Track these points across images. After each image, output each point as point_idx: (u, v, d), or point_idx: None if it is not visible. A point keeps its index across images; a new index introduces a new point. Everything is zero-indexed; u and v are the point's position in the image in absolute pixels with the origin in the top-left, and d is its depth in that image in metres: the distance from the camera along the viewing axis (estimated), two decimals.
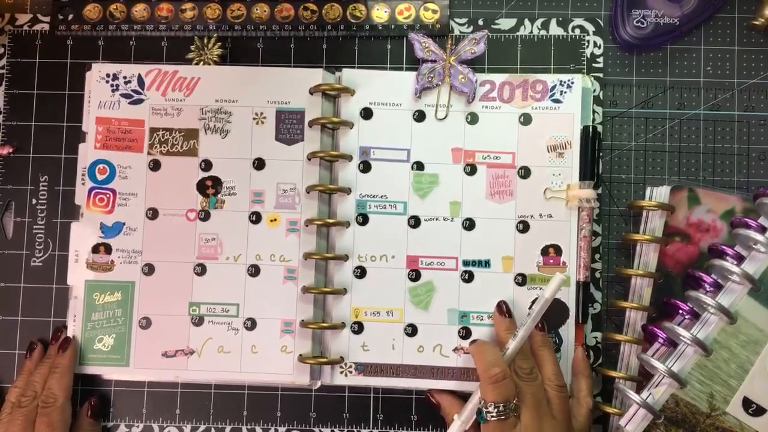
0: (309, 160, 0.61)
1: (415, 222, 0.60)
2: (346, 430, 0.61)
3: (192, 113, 0.62)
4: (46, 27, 0.64)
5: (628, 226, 0.62)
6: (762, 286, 0.56)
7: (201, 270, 0.61)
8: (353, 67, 0.63)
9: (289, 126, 0.61)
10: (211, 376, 0.60)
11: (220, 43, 0.63)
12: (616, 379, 0.58)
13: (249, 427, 0.61)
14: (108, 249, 0.61)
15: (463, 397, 0.58)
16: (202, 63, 0.62)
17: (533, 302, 0.59)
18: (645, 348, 0.59)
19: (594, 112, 0.62)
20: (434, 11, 0.63)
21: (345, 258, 0.60)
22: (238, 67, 0.62)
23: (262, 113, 0.61)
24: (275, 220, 0.61)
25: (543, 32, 0.63)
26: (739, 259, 0.57)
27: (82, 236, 0.61)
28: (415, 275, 0.60)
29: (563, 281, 0.57)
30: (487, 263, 0.60)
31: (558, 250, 0.60)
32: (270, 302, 0.60)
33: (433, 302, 0.60)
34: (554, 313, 0.59)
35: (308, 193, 0.60)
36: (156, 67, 0.62)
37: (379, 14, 0.64)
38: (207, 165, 0.61)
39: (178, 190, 0.61)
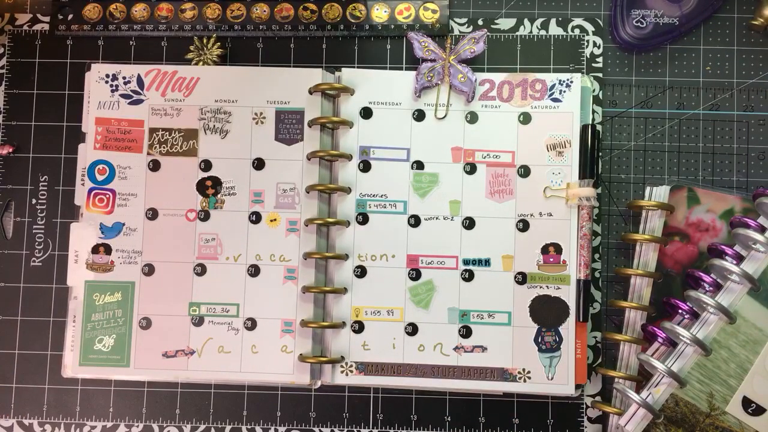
0: (309, 159, 0.61)
1: (415, 221, 0.60)
2: (346, 430, 0.61)
3: (191, 113, 0.62)
4: (46, 27, 0.64)
5: (627, 226, 0.62)
6: (761, 285, 0.56)
7: (201, 270, 0.60)
8: (353, 67, 0.63)
9: (288, 126, 0.61)
10: (211, 376, 0.60)
11: (219, 43, 0.63)
12: (615, 378, 0.58)
13: (249, 427, 0.61)
14: (108, 249, 0.61)
15: (464, 396, 0.58)
16: (201, 63, 0.62)
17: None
18: (645, 348, 0.59)
19: (593, 112, 0.62)
20: (434, 11, 0.64)
21: (345, 257, 0.60)
22: (238, 67, 0.62)
23: (261, 113, 0.61)
24: (275, 219, 0.61)
25: (542, 32, 0.63)
26: (739, 258, 0.57)
27: (82, 237, 0.61)
28: (415, 274, 0.60)
29: None
30: (487, 262, 0.60)
31: (558, 248, 0.60)
32: (270, 302, 0.60)
33: (433, 301, 0.60)
34: (554, 312, 0.59)
35: (308, 192, 0.60)
36: (155, 68, 0.62)
37: (379, 14, 0.64)
38: (207, 165, 0.61)
39: (177, 190, 0.61)
